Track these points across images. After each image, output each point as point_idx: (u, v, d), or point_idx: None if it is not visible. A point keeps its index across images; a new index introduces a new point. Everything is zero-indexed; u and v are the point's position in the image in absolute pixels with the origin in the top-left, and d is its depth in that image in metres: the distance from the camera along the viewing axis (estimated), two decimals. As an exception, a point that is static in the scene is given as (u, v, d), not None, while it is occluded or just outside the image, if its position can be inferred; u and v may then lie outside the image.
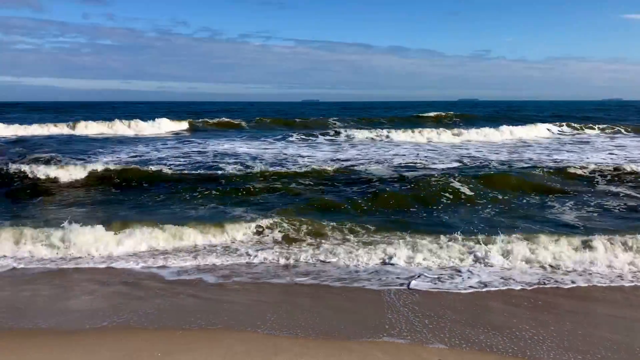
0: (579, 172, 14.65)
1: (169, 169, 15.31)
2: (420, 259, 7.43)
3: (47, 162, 16.13)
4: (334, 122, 39.84)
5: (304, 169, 15.23)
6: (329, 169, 15.12)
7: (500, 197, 11.71)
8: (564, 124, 35.03)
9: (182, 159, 17.98)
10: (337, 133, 28.63)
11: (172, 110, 66.09)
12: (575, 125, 34.89)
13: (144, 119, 36.01)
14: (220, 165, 16.38)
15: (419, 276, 6.85)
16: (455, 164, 16.87)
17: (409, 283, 6.61)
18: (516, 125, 32.71)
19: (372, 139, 27.00)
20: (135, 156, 19.06)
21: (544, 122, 36.25)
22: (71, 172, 13.58)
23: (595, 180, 13.89)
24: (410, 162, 17.46)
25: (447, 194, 11.77)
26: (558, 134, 32.14)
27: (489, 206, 11.03)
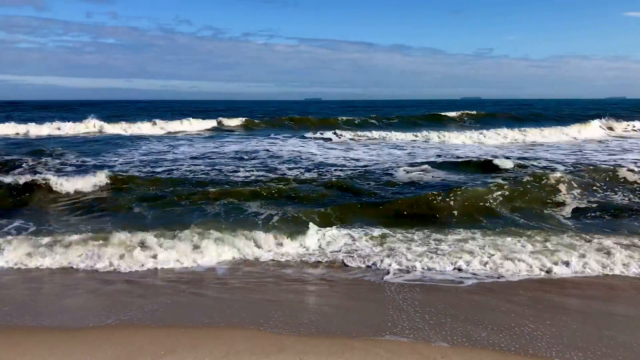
0: None
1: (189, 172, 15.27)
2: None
3: (54, 166, 16.00)
4: (350, 121, 38.66)
5: (347, 171, 14.83)
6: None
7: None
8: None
9: (199, 160, 17.88)
10: (362, 134, 27.34)
11: (178, 109, 65.36)
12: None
13: (154, 119, 36.20)
14: (257, 167, 15.90)
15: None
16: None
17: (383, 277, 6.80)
18: (547, 125, 31.22)
19: (412, 140, 25.57)
20: (151, 155, 19.13)
21: (580, 120, 34.51)
22: (83, 180, 12.61)
23: None
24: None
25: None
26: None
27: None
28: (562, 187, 12.03)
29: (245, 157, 18.48)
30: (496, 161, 16.12)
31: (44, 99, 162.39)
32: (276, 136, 27.58)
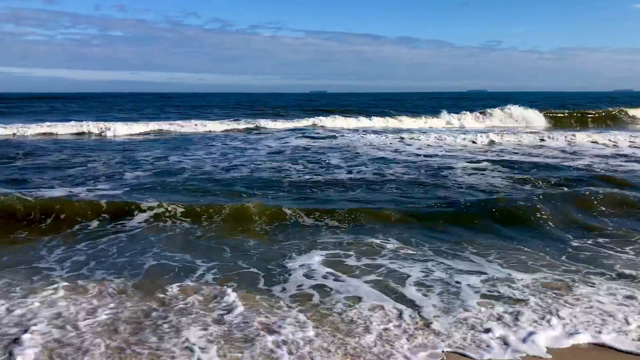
0: None
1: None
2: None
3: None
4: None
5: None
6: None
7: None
8: None
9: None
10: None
11: (183, 103, 62.68)
12: None
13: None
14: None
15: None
16: None
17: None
18: None
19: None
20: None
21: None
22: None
23: None
24: None
25: None
26: None
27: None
28: None
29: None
30: None
31: (56, 91, 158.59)
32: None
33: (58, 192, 9.98)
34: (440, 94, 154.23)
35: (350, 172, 13.03)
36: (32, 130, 24.32)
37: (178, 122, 28.99)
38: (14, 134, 23.49)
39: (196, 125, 27.69)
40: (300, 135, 23.55)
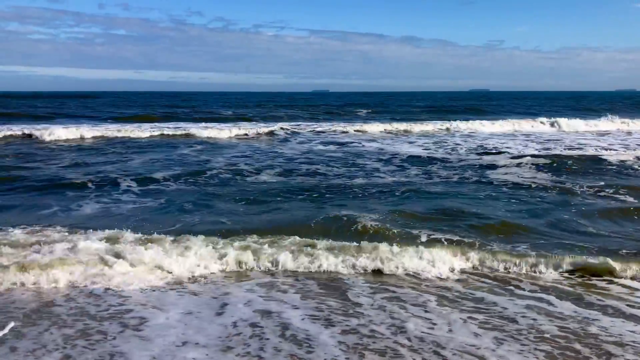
0: None
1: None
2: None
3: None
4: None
5: None
6: None
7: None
8: None
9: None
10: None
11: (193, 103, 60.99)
12: None
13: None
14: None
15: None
16: None
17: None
18: None
19: None
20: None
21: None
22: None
23: None
24: None
25: None
26: None
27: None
28: None
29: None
30: None
31: (61, 90, 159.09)
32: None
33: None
34: (448, 93, 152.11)
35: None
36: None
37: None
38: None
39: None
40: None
